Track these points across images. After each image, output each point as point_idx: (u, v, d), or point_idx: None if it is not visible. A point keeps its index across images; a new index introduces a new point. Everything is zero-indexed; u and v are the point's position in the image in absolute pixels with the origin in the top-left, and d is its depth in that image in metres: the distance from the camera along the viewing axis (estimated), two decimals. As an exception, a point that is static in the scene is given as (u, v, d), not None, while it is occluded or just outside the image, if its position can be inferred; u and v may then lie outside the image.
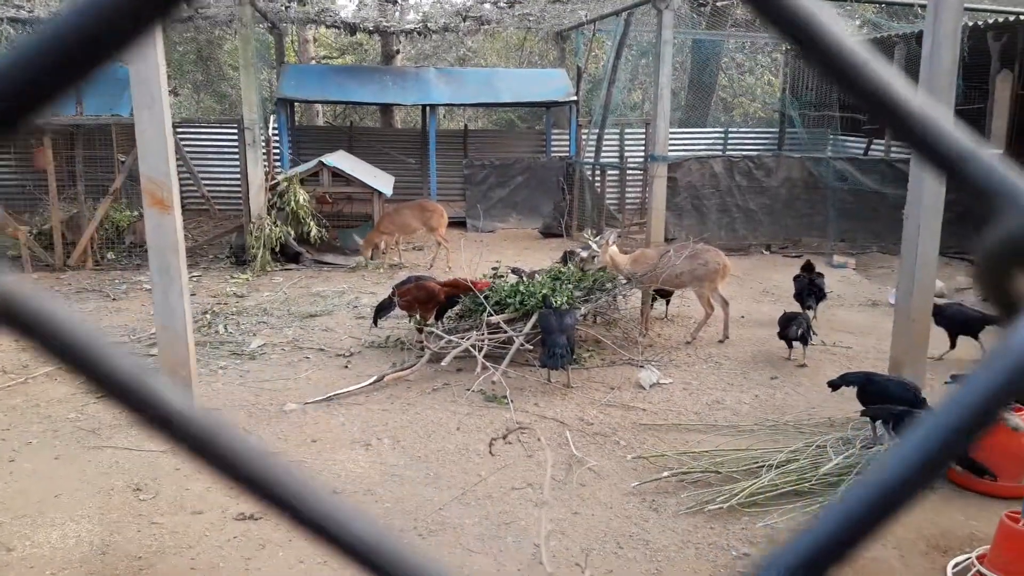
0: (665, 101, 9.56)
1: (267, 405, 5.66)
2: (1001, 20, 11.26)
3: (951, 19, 5.32)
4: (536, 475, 4.72)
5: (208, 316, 7.81)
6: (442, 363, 6.10)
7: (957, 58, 5.43)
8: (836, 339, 7.25)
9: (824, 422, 5.32)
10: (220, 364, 6.50)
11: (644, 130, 13.37)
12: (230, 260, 10.40)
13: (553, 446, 5.10)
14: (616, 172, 13.58)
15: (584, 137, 13.12)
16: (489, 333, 6.31)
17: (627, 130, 14.40)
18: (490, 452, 4.96)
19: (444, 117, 20.25)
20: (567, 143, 13.54)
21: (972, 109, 12.17)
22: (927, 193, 5.53)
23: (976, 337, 6.48)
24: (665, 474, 4.53)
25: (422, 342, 6.55)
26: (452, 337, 6.35)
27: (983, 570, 3.63)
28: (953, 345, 6.57)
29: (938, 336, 6.27)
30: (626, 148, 14.45)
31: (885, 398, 4.83)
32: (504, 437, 5.13)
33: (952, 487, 4.50)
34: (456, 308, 6.93)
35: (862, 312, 8.52)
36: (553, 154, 14.02)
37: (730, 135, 15.73)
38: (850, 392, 5.14)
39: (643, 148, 13.52)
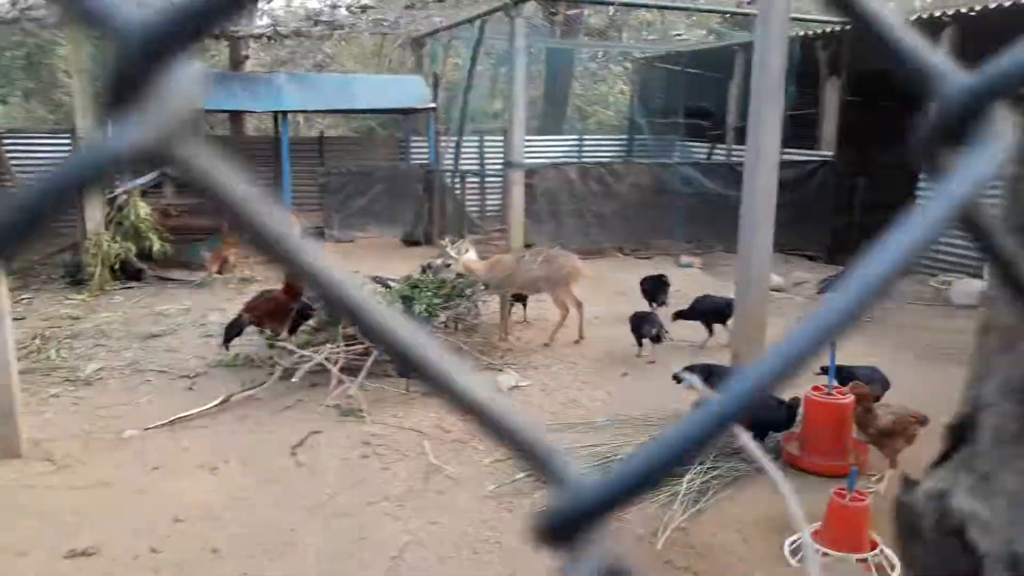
0: (520, 109, 9.68)
1: (103, 433, 5.28)
2: (828, 31, 12.15)
3: (778, 29, 5.66)
4: (392, 487, 4.64)
5: (38, 341, 7.22)
6: (293, 379, 5.91)
7: (784, 65, 5.78)
8: (683, 335, 7.56)
9: (671, 414, 5.53)
10: (51, 392, 6.03)
11: (503, 137, 13.51)
12: (65, 280, 9.68)
13: (412, 456, 5.04)
14: (476, 179, 13.65)
15: (443, 144, 13.12)
16: (345, 345, 6.17)
17: (487, 137, 14.51)
18: (295, 460, 4.90)
19: (303, 124, 19.73)
20: (427, 150, 13.50)
21: (806, 114, 13.07)
22: (760, 194, 5.86)
23: (725, 324, 6.99)
24: (520, 475, 4.56)
25: (272, 358, 6.32)
26: (305, 351, 6.16)
27: (816, 544, 3.86)
28: (711, 333, 7.16)
29: (774, 327, 6.66)
30: (486, 155, 14.56)
31: None
32: (301, 443, 5.09)
33: (788, 470, 4.78)
34: (312, 321, 6.73)
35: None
36: (413, 161, 13.94)
37: (585, 142, 16.16)
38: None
39: (503, 155, 13.67)
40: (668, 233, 12.29)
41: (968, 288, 8.91)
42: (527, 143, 13.51)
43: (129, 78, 0.22)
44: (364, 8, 10.20)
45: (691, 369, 5.44)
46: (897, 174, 13.92)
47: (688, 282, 10.15)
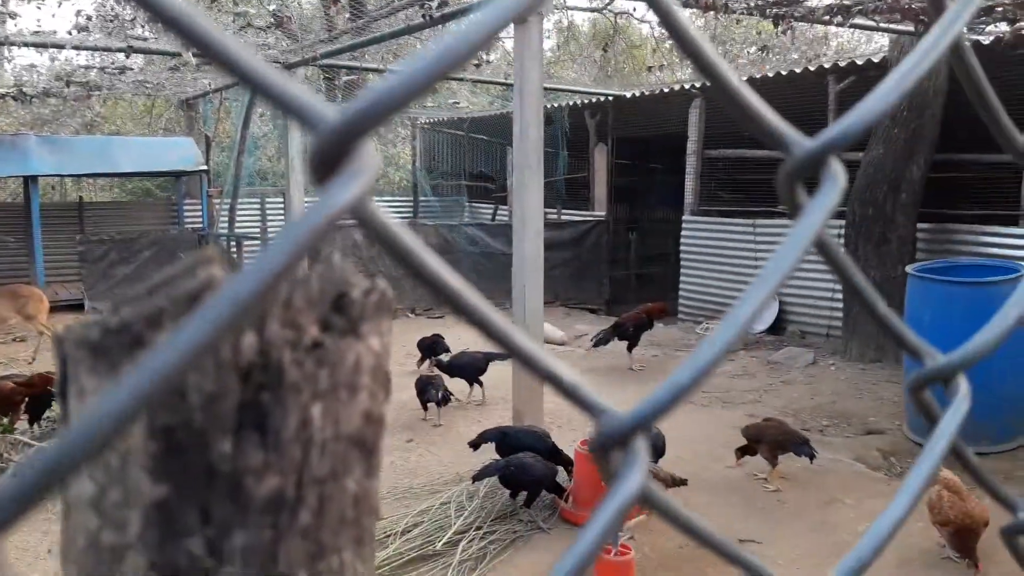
0: (298, 171, 9.45)
1: None
2: (595, 100, 13.05)
3: (533, 101, 5.94)
4: None
5: None
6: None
7: (541, 135, 6.06)
8: (472, 393, 7.59)
9: (454, 479, 5.46)
10: None
11: (283, 199, 13.15)
12: None
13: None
14: (256, 243, 13.12)
15: (218, 208, 12.52)
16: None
17: (268, 200, 14.06)
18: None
19: (71, 187, 18.11)
20: (200, 213, 12.82)
21: (579, 178, 13.89)
22: (528, 254, 6.05)
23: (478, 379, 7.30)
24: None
25: (2, 455, 5.57)
26: (46, 444, 5.48)
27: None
28: (472, 387, 7.34)
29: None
30: (268, 218, 14.07)
31: (521, 448, 5.09)
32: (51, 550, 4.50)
33: (564, 525, 4.85)
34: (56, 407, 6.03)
35: (492, 367, 9.05)
36: (187, 225, 13.17)
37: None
38: (489, 447, 5.34)
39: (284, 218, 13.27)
40: (457, 292, 12.45)
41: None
42: (310, 204, 13.24)
43: (329, 157, 0.28)
44: (123, 70, 9.56)
45: (484, 434, 5.41)
46: (665, 227, 15.14)
47: (479, 341, 10.28)
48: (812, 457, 5.24)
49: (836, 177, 0.42)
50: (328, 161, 0.28)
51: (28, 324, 9.17)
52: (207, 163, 11.94)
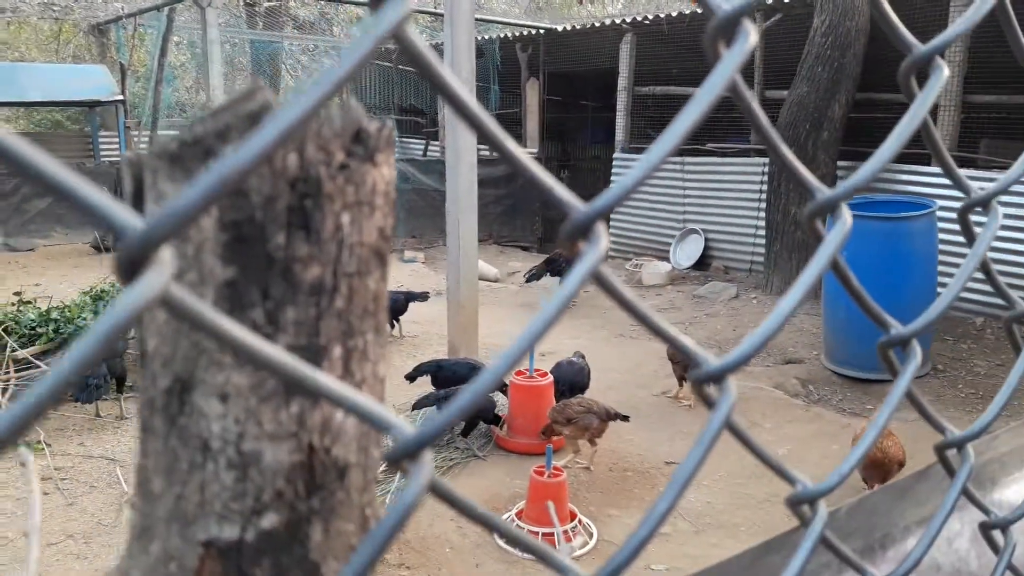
0: (218, 101, 9.09)
1: None
2: (526, 33, 12.89)
3: (464, 32, 5.86)
4: (79, 524, 4.16)
5: None
6: (-52, 415, 5.07)
7: (473, 67, 6.01)
8: (406, 329, 7.63)
9: (391, 410, 5.52)
10: None
11: (206, 133, 12.69)
12: None
13: (101, 487, 4.55)
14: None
15: (136, 140, 12.02)
16: (17, 371, 5.42)
17: (189, 133, 13.55)
18: None
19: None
20: (118, 146, 12.29)
21: (510, 113, 13.79)
22: (462, 189, 6.05)
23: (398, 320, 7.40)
24: (227, 495, 4.31)
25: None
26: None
27: (521, 523, 4.08)
28: (393, 326, 7.43)
29: (487, 316, 6.95)
30: (190, 152, 13.60)
31: (457, 379, 5.18)
32: None
33: (499, 452, 5.00)
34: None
35: (430, 303, 9.11)
36: (103, 159, 12.61)
37: (301, 137, 15.70)
38: (424, 379, 5.42)
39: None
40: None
41: (657, 269, 9.95)
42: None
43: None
44: (27, -12, 8.96)
45: (419, 367, 5.48)
46: (596, 165, 15.25)
47: (413, 277, 10.27)
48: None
49: (941, 70, 0.57)
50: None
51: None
52: (123, 93, 11.39)
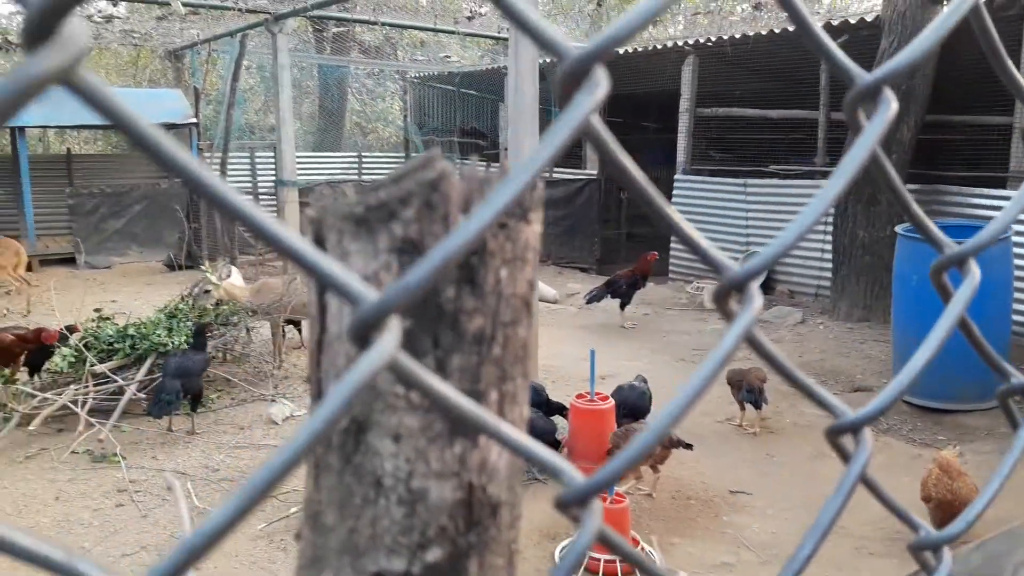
0: (288, 125, 9.39)
1: None
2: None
3: (528, 55, 5.93)
4: (151, 536, 4.29)
5: None
6: (30, 427, 5.30)
7: (537, 90, 6.06)
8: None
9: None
10: None
11: (274, 154, 13.06)
12: None
13: (173, 500, 4.68)
14: (247, 198, 13.06)
15: (208, 161, 12.43)
16: (95, 384, 5.64)
17: (258, 154, 13.95)
18: (39, 515, 4.41)
19: (54, 140, 17.90)
20: (191, 169, 12.71)
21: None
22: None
23: None
24: (293, 510, 4.39)
25: (7, 405, 5.62)
26: (48, 394, 5.55)
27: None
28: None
29: (547, 336, 6.95)
30: (258, 172, 13.99)
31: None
32: (57, 497, 4.59)
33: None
34: (58, 359, 6.07)
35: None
36: (176, 180, 13.06)
37: (364, 159, 16.03)
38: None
39: (274, 172, 13.21)
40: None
41: (716, 292, 9.82)
42: (302, 160, 13.16)
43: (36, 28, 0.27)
44: (109, 18, 9.39)
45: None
46: (657, 186, 15.17)
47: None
48: (756, 405, 5.41)
49: (889, 102, 0.53)
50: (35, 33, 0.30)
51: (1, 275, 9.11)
52: (196, 116, 11.81)
